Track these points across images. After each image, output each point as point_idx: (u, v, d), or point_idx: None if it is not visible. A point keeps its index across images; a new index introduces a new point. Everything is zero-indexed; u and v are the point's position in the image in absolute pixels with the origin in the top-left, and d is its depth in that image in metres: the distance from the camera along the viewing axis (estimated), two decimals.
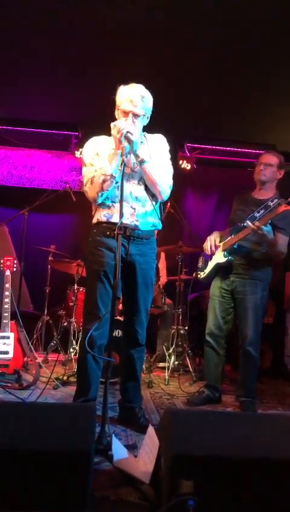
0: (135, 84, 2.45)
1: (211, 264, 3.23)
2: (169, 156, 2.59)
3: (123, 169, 2.25)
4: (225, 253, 3.10)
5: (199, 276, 3.35)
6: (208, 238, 3.26)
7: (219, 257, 3.15)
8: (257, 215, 3.04)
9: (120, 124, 2.33)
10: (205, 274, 3.27)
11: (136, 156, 2.40)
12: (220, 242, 3.20)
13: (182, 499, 1.39)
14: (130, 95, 2.41)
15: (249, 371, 3.08)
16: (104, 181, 2.38)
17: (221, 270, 3.16)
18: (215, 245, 3.20)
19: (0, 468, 1.45)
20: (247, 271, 3.08)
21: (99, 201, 2.45)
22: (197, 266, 3.44)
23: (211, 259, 3.25)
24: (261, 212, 3.04)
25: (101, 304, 2.40)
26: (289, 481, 1.49)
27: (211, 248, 3.20)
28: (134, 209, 2.45)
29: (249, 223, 2.89)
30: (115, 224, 2.25)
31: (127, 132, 2.29)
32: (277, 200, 3.04)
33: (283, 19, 3.24)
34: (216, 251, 3.20)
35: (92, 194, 2.44)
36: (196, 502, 1.39)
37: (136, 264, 2.49)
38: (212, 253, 3.23)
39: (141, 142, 2.48)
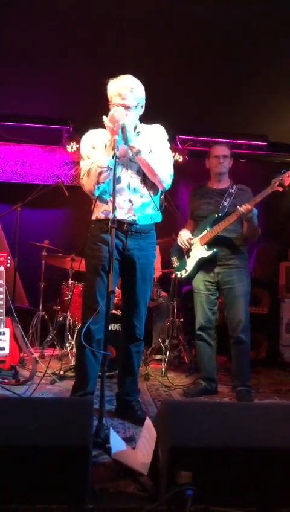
0: (123, 76, 2.40)
1: (191, 261, 3.22)
2: (168, 145, 2.56)
3: (115, 163, 2.21)
4: (206, 246, 3.12)
5: (179, 275, 3.34)
6: (181, 235, 3.26)
7: (200, 252, 3.15)
8: (225, 203, 3.12)
9: (116, 114, 2.27)
10: (188, 272, 3.24)
11: (131, 147, 2.37)
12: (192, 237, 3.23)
13: (180, 489, 1.41)
14: (118, 88, 2.37)
15: (243, 359, 3.10)
16: (100, 173, 2.36)
17: (204, 264, 3.17)
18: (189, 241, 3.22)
19: None
20: (231, 260, 3.12)
21: (96, 194, 2.42)
22: (172, 267, 3.45)
23: (187, 256, 3.26)
24: (228, 200, 3.13)
25: (100, 298, 2.40)
26: (286, 469, 1.51)
27: (188, 242, 3.21)
28: (131, 202, 2.43)
29: (240, 207, 2.92)
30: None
31: (124, 126, 2.26)
32: (235, 186, 3.17)
33: (273, 11, 3.25)
34: (192, 247, 3.21)
35: (88, 186, 2.43)
36: (194, 492, 1.40)
37: (134, 259, 2.49)
38: (187, 251, 3.25)
39: (138, 132, 2.45)
